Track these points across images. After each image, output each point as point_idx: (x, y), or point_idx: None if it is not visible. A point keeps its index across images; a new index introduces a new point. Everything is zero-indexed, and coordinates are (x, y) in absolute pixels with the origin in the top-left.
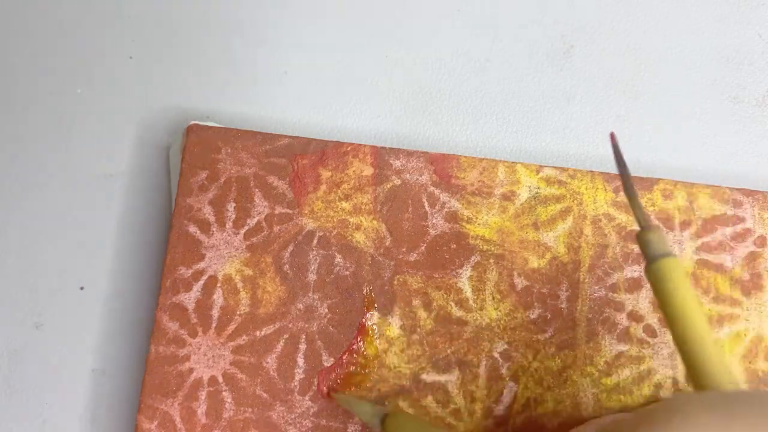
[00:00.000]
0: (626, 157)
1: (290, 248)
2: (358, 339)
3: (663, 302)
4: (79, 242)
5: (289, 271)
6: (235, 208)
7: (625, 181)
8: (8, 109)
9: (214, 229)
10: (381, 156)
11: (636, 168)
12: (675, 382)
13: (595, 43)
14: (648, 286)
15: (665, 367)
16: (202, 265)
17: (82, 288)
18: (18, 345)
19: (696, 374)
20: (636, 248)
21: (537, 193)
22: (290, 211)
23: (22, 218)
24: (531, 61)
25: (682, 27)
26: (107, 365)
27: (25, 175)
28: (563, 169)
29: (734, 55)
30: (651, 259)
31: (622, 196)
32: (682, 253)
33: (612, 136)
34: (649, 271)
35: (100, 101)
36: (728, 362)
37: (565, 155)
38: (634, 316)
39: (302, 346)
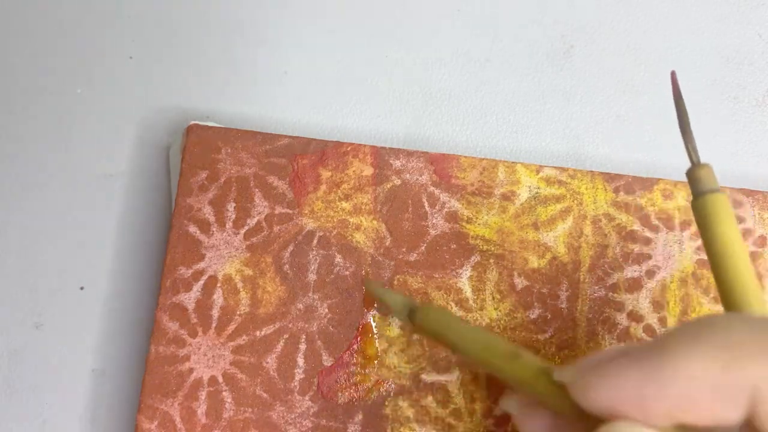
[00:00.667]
0: (627, 156)
1: (290, 248)
2: (358, 339)
3: (705, 235)
4: (79, 242)
5: (289, 271)
6: (235, 208)
7: (681, 115)
8: (8, 109)
9: (214, 229)
10: (381, 156)
11: (636, 168)
12: None
13: (595, 43)
14: (648, 286)
15: None
16: (202, 265)
17: (82, 288)
18: (18, 345)
19: (732, 300)
20: (635, 248)
21: (537, 193)
22: (290, 211)
23: (22, 218)
24: (531, 61)
25: (682, 27)
26: (107, 365)
27: (25, 175)
28: (563, 169)
29: (734, 55)
30: (698, 193)
31: (622, 196)
32: (682, 252)
33: (672, 74)
34: (695, 205)
35: (100, 101)
36: (764, 292)
37: (565, 155)
38: (634, 316)
39: (302, 346)
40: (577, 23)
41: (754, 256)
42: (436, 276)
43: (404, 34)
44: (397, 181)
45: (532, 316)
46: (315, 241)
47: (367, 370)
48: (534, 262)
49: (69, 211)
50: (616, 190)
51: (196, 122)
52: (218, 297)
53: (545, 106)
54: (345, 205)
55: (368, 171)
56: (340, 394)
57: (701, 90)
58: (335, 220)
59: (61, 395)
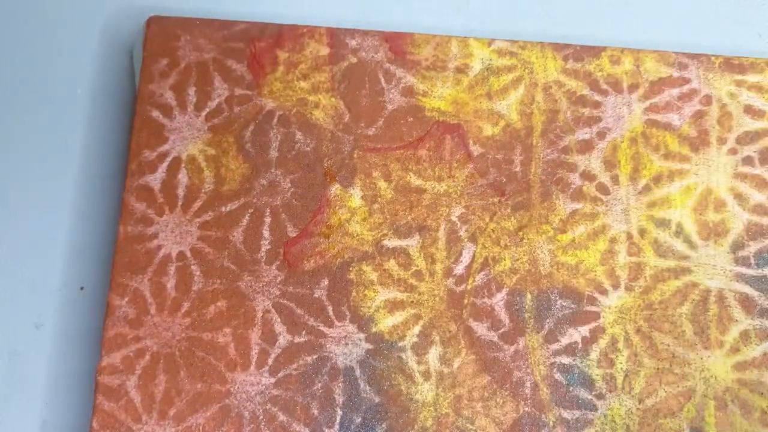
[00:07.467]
0: (572, 25)
1: (251, 127)
2: (321, 210)
3: None
4: (80, 242)
5: (251, 149)
6: (195, 92)
7: None
8: (9, 109)
9: (176, 113)
10: (336, 36)
11: (583, 37)
12: (629, 236)
13: None
14: (599, 146)
15: (619, 222)
16: (165, 147)
17: (82, 288)
18: (18, 345)
19: None
20: (586, 112)
21: (489, 64)
22: (249, 93)
23: (22, 218)
24: None
25: (682, 27)
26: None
27: (27, 175)
28: (514, 41)
29: (734, 55)
30: None
31: (571, 64)
32: (631, 114)
33: None
34: None
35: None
36: None
37: (509, 32)
38: (587, 176)
39: (267, 219)
40: None
41: (700, 114)
42: (395, 148)
43: None
44: (353, 60)
45: (489, 181)
46: (275, 120)
47: (330, 239)
48: (488, 129)
49: (69, 212)
50: (565, 58)
51: (155, 14)
52: (183, 177)
53: None
54: (303, 84)
55: (324, 51)
56: (305, 262)
57: None
58: (294, 99)
59: (61, 395)
